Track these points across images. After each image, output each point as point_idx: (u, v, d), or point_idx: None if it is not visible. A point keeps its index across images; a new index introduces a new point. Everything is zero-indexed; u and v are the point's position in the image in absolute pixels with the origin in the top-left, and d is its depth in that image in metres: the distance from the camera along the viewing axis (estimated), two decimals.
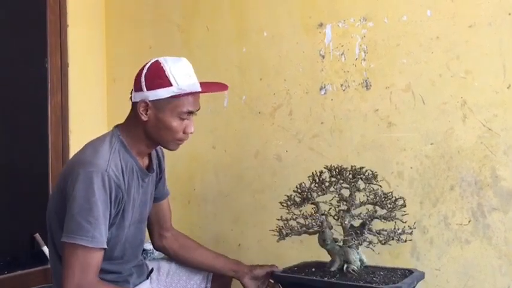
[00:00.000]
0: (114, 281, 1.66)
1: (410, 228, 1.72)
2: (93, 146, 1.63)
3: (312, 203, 1.81)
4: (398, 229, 1.71)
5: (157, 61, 1.63)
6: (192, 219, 2.61)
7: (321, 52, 2.29)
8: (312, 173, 1.84)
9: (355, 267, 1.74)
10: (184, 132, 1.65)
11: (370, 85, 2.18)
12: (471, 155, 1.99)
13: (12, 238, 2.54)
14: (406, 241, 1.72)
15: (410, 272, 1.79)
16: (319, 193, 1.81)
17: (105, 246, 1.52)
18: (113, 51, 2.91)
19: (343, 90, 2.24)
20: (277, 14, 2.40)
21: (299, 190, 1.82)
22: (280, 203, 1.82)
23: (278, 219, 1.78)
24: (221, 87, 1.76)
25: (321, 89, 2.29)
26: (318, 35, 2.30)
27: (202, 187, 2.59)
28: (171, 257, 1.97)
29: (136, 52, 2.78)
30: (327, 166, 1.82)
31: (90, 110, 2.78)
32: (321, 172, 1.83)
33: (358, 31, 2.21)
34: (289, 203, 1.81)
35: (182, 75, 1.61)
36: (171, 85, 1.59)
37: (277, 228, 1.78)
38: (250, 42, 2.47)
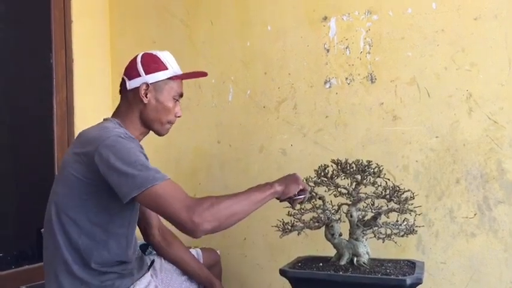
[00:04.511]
0: (119, 273, 1.67)
1: (414, 220, 1.72)
2: (96, 127, 1.68)
3: (319, 198, 1.81)
4: (409, 221, 1.72)
5: (146, 52, 1.79)
6: None
7: (325, 46, 2.29)
8: (319, 167, 1.84)
9: (365, 260, 1.74)
10: (175, 116, 1.79)
11: (375, 78, 2.18)
12: (477, 148, 1.99)
13: (18, 233, 2.56)
14: (414, 233, 1.73)
15: (411, 262, 1.80)
16: (325, 187, 1.81)
17: (169, 177, 1.54)
18: (118, 46, 2.91)
19: (348, 83, 2.23)
20: (281, 7, 2.39)
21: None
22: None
23: (287, 215, 1.78)
24: (201, 73, 1.90)
25: (325, 82, 2.29)
26: (322, 29, 2.29)
27: (207, 181, 2.60)
28: (158, 253, 2.00)
29: (140, 47, 2.75)
30: (334, 160, 1.82)
31: (96, 105, 2.79)
32: (326, 166, 1.83)
33: (362, 24, 2.20)
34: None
35: (172, 61, 1.79)
36: (167, 69, 1.76)
37: (281, 224, 1.78)
38: (255, 36, 2.47)
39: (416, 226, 1.73)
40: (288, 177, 1.71)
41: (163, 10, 2.75)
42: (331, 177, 1.81)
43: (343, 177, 1.81)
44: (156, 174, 1.50)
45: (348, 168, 1.78)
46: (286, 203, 1.78)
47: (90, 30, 2.84)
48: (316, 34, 2.31)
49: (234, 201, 1.54)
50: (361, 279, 1.63)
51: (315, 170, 1.85)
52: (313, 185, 1.82)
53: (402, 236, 1.73)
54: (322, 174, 1.82)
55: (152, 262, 1.93)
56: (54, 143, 2.66)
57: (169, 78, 1.75)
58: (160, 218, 1.98)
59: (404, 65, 2.12)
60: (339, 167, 1.80)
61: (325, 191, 1.82)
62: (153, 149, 2.75)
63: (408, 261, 1.82)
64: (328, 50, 2.28)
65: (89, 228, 1.61)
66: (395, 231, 1.72)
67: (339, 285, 1.66)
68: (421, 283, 1.60)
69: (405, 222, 1.72)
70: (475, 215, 1.99)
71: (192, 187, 2.64)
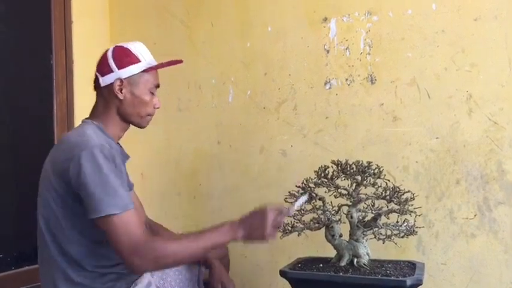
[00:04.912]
0: (120, 273, 1.67)
1: (414, 221, 1.72)
2: (75, 133, 1.66)
3: (319, 199, 1.81)
4: (409, 222, 1.72)
5: (117, 46, 1.73)
6: (197, 215, 2.62)
7: (325, 47, 2.29)
8: (319, 168, 1.84)
9: (365, 261, 1.74)
10: (154, 107, 1.74)
11: (375, 79, 2.18)
12: (477, 148, 1.99)
13: (18, 234, 2.55)
14: (414, 234, 1.73)
15: (411, 263, 1.80)
16: (325, 188, 1.81)
17: (133, 207, 1.54)
18: None
19: (348, 84, 2.23)
20: (282, 8, 2.39)
21: (303, 185, 1.82)
22: (285, 199, 1.82)
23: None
24: (176, 61, 1.83)
25: (325, 83, 2.29)
26: (322, 30, 2.29)
27: (207, 182, 2.60)
28: None
29: None
30: (334, 161, 1.82)
31: None
32: (326, 167, 1.83)
33: (362, 25, 2.20)
34: (294, 198, 1.81)
35: (145, 52, 1.73)
36: (139, 61, 1.69)
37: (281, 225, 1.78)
38: (255, 37, 2.47)
39: (417, 227, 1.73)
40: (255, 220, 1.59)
41: (163, 10, 2.75)
42: (331, 178, 1.81)
43: (343, 178, 1.81)
44: (120, 202, 1.50)
45: (348, 169, 1.78)
46: (287, 204, 1.78)
47: (90, 30, 2.84)
48: (316, 35, 2.31)
49: (185, 247, 1.52)
50: (361, 280, 1.63)
51: (315, 171, 1.84)
52: (314, 186, 1.82)
53: (402, 237, 1.73)
54: (323, 175, 1.82)
55: None
56: (54, 143, 2.65)
57: (144, 71, 1.69)
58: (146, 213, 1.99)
59: (404, 65, 2.12)
60: (339, 168, 1.80)
61: (326, 192, 1.82)
62: (154, 150, 2.76)
63: (408, 262, 1.82)
64: (328, 51, 2.28)
65: (77, 239, 1.58)
66: (395, 232, 1.72)
67: (339, 286, 1.66)
68: (421, 284, 1.60)
69: (405, 223, 1.72)
70: (475, 215, 1.99)
71: (193, 188, 2.64)
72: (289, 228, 1.78)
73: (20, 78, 2.59)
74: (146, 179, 2.75)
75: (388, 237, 1.71)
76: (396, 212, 1.72)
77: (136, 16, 2.85)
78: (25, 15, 2.63)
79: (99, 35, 2.89)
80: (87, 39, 2.81)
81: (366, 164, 1.78)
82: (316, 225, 1.77)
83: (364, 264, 1.73)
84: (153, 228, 1.97)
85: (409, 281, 1.57)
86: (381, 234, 1.72)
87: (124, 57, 1.69)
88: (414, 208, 1.71)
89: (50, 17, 2.67)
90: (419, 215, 1.75)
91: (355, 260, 1.74)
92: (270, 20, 2.42)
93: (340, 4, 2.25)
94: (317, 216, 1.78)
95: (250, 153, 2.47)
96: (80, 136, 1.60)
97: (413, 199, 1.73)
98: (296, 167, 2.33)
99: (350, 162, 1.79)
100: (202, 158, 2.62)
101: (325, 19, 2.28)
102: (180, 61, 1.82)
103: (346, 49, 2.24)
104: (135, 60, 1.69)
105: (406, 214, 1.71)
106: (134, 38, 2.83)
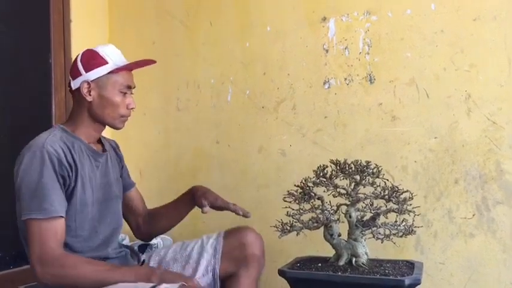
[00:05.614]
0: None
1: (413, 221, 1.72)
2: (33, 138, 1.72)
3: (317, 198, 1.81)
4: (408, 221, 1.72)
5: (87, 49, 1.76)
6: (196, 214, 2.59)
7: (324, 46, 2.29)
8: (318, 167, 1.84)
9: (364, 261, 1.74)
10: (127, 108, 1.75)
11: (374, 79, 2.18)
12: (475, 148, 1.99)
13: (16, 233, 2.55)
14: (412, 233, 1.73)
15: (410, 262, 1.80)
16: (324, 187, 1.81)
17: (59, 214, 1.55)
18: (117, 47, 2.89)
19: (347, 84, 2.23)
20: (281, 8, 2.40)
21: (302, 184, 1.82)
22: (284, 199, 1.81)
23: (285, 215, 1.78)
24: (148, 61, 1.84)
25: (324, 83, 2.29)
26: (321, 29, 2.29)
27: (206, 182, 2.57)
28: (154, 235, 2.03)
29: (140, 48, 2.78)
30: (333, 160, 1.82)
31: None
32: (325, 166, 1.83)
33: (361, 25, 2.21)
34: (292, 198, 1.81)
35: (114, 54, 1.75)
36: (107, 63, 1.71)
37: (280, 224, 1.78)
38: (254, 37, 2.47)
39: (415, 226, 1.72)
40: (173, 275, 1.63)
41: (163, 11, 2.75)
42: (330, 178, 1.81)
43: (342, 178, 1.81)
44: (47, 208, 1.52)
45: (347, 168, 1.78)
46: (285, 203, 1.78)
47: (89, 30, 2.84)
48: (316, 35, 2.31)
49: (91, 273, 1.52)
50: (360, 279, 1.63)
51: (313, 171, 1.84)
52: (312, 186, 1.82)
53: (401, 236, 1.73)
54: (321, 174, 1.82)
55: (143, 262, 1.91)
56: None
57: (111, 72, 1.71)
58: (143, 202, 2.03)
59: (403, 65, 2.12)
60: (338, 167, 1.80)
61: (324, 191, 1.81)
62: (152, 149, 2.76)
63: (407, 261, 1.82)
64: (327, 51, 2.28)
65: None
66: (394, 231, 1.72)
67: (337, 285, 1.66)
68: (419, 283, 1.60)
69: (404, 223, 1.72)
70: (473, 215, 2.00)
71: None
72: (288, 228, 1.78)
73: (18, 77, 2.59)
74: (145, 178, 2.75)
75: (387, 236, 1.71)
76: (395, 212, 1.72)
77: (135, 16, 2.86)
78: (24, 15, 2.63)
79: (98, 35, 2.89)
80: (85, 39, 2.81)
81: (365, 164, 1.77)
82: (315, 224, 1.77)
83: (363, 264, 1.73)
84: (155, 215, 1.99)
85: (407, 281, 1.57)
86: (379, 233, 1.72)
87: (91, 59, 1.72)
88: (413, 208, 1.71)
89: (49, 17, 2.68)
90: (417, 215, 1.75)
91: (354, 259, 1.74)
92: (269, 20, 2.43)
93: (339, 4, 2.25)
94: (316, 215, 1.78)
95: (249, 152, 2.47)
96: (34, 138, 1.67)
97: (412, 199, 1.73)
98: (295, 167, 2.33)
99: (349, 161, 1.79)
100: (201, 158, 2.62)
101: (324, 19, 2.29)
102: (153, 62, 1.84)
103: (345, 49, 2.24)
104: (102, 62, 1.71)
105: (404, 214, 1.71)
106: (133, 38, 2.86)
